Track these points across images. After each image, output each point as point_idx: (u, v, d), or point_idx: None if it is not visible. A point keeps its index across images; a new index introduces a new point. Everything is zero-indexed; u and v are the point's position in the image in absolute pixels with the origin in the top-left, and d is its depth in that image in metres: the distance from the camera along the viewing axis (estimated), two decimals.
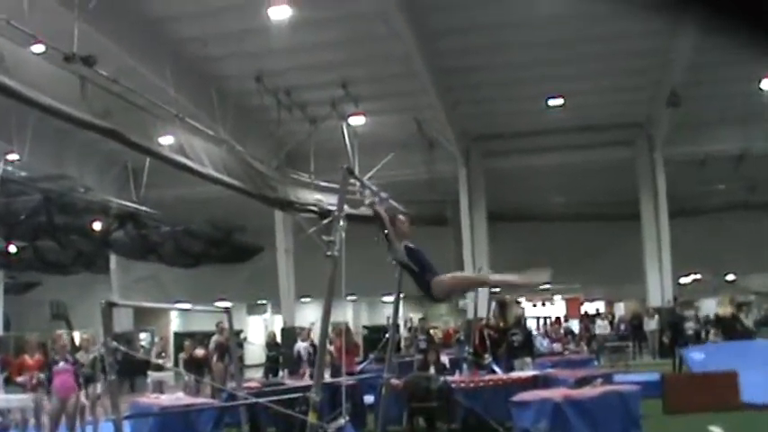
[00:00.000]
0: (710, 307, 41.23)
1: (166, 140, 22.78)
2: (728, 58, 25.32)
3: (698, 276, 40.49)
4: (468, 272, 8.51)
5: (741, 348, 21.23)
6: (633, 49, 25.69)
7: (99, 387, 15.23)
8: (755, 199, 36.17)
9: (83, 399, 14.54)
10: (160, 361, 19.81)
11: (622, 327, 37.15)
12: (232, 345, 13.57)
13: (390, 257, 7.61)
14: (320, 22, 22.94)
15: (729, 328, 26.82)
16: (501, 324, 21.45)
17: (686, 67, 25.39)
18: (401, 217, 7.81)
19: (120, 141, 21.15)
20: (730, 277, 41.11)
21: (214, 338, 20.23)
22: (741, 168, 32.32)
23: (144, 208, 29.85)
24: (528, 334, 20.78)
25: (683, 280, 37.84)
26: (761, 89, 28.21)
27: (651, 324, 32.52)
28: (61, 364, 13.43)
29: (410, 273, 7.59)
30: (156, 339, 28.63)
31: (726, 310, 28.29)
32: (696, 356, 20.58)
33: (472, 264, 31.38)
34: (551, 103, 29.59)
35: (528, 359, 19.24)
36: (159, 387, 19.32)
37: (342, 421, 8.76)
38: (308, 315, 34.80)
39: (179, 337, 36.85)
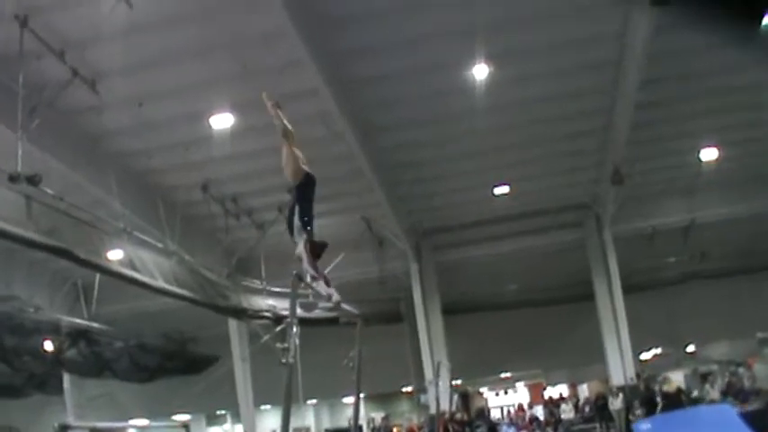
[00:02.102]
0: (675, 379, 41.33)
1: (115, 255, 22.62)
2: (666, 131, 26.06)
3: (658, 350, 40.64)
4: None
5: (687, 417, 21.32)
6: (574, 131, 26.19)
7: None
8: (706, 267, 36.73)
9: None
10: None
11: (587, 409, 37.03)
12: None
13: None
14: (261, 129, 22.97)
15: (676, 404, 27.05)
16: (465, 416, 21.28)
17: (627, 144, 25.87)
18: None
19: (68, 259, 20.95)
20: (690, 348, 41.34)
21: None
22: (690, 239, 32.83)
23: (96, 324, 29.39)
24: (492, 425, 20.65)
25: (643, 356, 37.96)
26: (700, 159, 28.88)
27: (616, 403, 32.44)
28: None
29: None
30: None
31: (671, 386, 28.42)
32: (643, 428, 20.60)
33: (430, 358, 31.17)
34: (497, 191, 29.90)
35: None
36: None
37: None
38: (269, 422, 34.32)
39: None
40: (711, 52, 20.48)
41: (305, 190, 8.35)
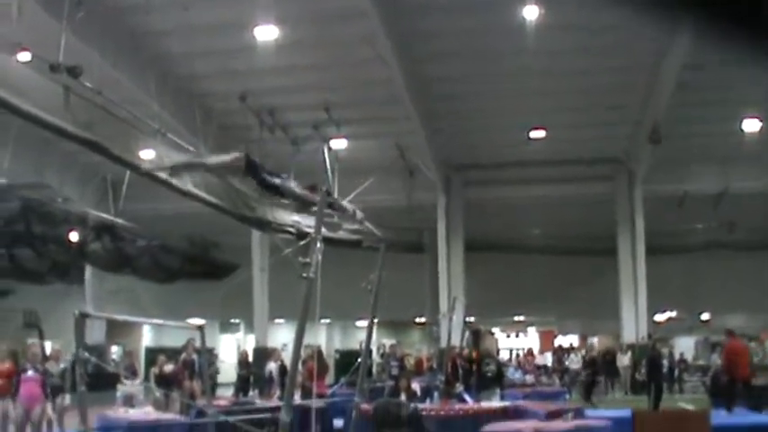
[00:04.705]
0: (685, 345, 41.43)
1: (147, 155, 22.73)
2: (711, 97, 25.63)
3: (673, 314, 40.63)
4: None
5: None
6: (616, 84, 25.93)
7: (67, 398, 15.12)
8: (733, 239, 36.40)
9: (48, 410, 14.40)
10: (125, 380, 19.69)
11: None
12: (203, 362, 13.50)
13: None
14: (306, 44, 23.03)
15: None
16: (474, 354, 21.45)
17: (668, 104, 25.59)
18: None
19: (101, 154, 21.05)
20: (705, 316, 41.31)
21: (182, 356, 20.15)
22: (720, 208, 32.55)
23: (121, 221, 29.68)
24: (499, 366, 20.83)
25: (657, 317, 37.96)
26: (742, 129, 28.48)
27: (624, 360, 32.59)
28: (29, 372, 13.29)
29: None
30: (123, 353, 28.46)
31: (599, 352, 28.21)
32: None
33: (447, 292, 31.38)
34: (533, 135, 29.73)
35: (497, 390, 19.29)
36: (129, 401, 19.18)
37: None
38: (281, 336, 34.71)
39: (151, 352, 36.60)
40: None
41: None
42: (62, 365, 15.43)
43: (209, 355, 31.70)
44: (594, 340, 45.19)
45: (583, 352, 39.30)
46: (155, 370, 20.72)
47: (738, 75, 24.48)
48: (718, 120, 28.18)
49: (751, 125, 28.37)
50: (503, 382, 20.90)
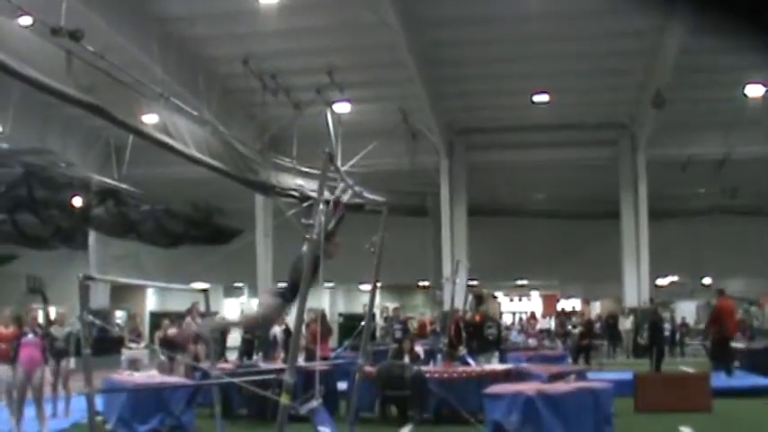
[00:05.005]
0: (687, 309, 41.53)
1: (150, 119, 22.73)
2: (715, 62, 25.49)
3: (675, 278, 40.73)
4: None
5: None
6: (620, 48, 25.80)
7: (72, 362, 15.21)
8: (735, 204, 36.42)
9: (47, 374, 14.46)
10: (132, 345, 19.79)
11: (597, 325, 37.32)
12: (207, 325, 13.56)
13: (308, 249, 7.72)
14: (309, 7, 22.92)
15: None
16: (477, 318, 21.53)
17: (672, 69, 25.49)
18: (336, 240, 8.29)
19: (104, 118, 21.12)
20: (707, 281, 41.38)
21: (187, 320, 20.22)
22: (722, 173, 32.53)
23: (125, 186, 29.71)
24: (500, 328, 20.94)
25: (659, 281, 38.06)
26: (745, 95, 28.38)
27: (626, 324, 32.70)
28: (29, 336, 13.34)
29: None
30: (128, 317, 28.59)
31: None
32: None
33: (450, 255, 31.46)
34: (536, 99, 29.66)
35: (496, 353, 19.45)
36: (134, 365, 19.29)
37: (314, 403, 8.77)
38: None
39: (155, 316, 36.77)
40: None
41: None
42: (67, 329, 15.48)
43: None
44: (597, 304, 45.45)
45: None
46: (159, 334, 20.80)
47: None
48: (721, 85, 28.06)
49: (754, 90, 28.26)
50: (501, 346, 21.06)
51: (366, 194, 9.05)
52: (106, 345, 25.25)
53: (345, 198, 8.77)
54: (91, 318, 8.82)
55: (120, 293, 38.46)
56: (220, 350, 34.49)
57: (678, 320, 36.99)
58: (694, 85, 27.83)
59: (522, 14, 23.10)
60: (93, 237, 34.43)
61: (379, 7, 22.14)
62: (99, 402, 11.34)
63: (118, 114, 20.83)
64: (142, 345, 21.14)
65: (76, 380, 13.44)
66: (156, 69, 22.95)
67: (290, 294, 8.09)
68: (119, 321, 36.55)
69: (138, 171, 30.64)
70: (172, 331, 20.03)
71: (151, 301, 44.58)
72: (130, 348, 19.75)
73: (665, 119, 28.95)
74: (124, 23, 22.09)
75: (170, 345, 19.45)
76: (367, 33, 24.03)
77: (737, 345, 24.86)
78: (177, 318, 21.25)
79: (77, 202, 28.50)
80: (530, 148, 32.36)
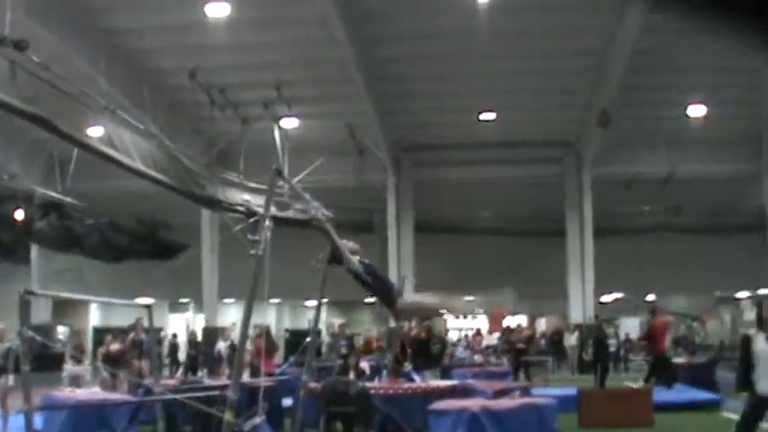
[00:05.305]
0: (631, 326, 42.02)
1: (96, 132, 22.47)
2: (659, 82, 25.99)
3: (619, 295, 41.17)
4: (430, 297, 8.50)
5: None
6: (566, 67, 26.14)
7: (11, 379, 14.93)
8: (678, 221, 37.07)
9: None
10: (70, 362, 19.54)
11: (542, 342, 37.61)
12: (151, 341, 13.43)
13: (344, 268, 7.95)
14: (258, 21, 22.88)
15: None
16: (423, 334, 21.58)
17: (618, 88, 25.87)
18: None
19: (48, 129, 20.80)
20: (650, 297, 41.91)
21: (131, 335, 20.01)
22: (666, 191, 33.02)
23: (69, 199, 29.31)
24: (444, 345, 21.03)
25: (604, 298, 38.45)
26: (687, 115, 28.94)
27: (571, 340, 32.99)
28: None
29: (364, 285, 8.06)
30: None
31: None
32: None
33: (397, 272, 31.47)
34: (483, 117, 29.87)
35: (437, 371, 19.55)
36: (75, 381, 19.03)
37: (258, 420, 8.71)
38: (231, 316, 34.61)
39: (98, 331, 36.31)
40: None
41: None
42: (6, 345, 15.20)
43: (159, 335, 31.57)
44: (542, 320, 45.76)
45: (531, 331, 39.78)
46: (102, 350, 20.54)
47: (688, 62, 24.87)
48: (665, 104, 28.65)
49: (697, 110, 28.88)
50: (443, 361, 21.19)
51: (323, 210, 9.01)
52: (47, 361, 24.90)
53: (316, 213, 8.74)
54: (31, 333, 8.67)
55: (63, 309, 37.88)
56: (172, 363, 34.19)
57: (622, 337, 37.45)
58: (639, 104, 28.30)
59: (470, 32, 23.27)
60: (35, 251, 33.92)
61: (329, 23, 22.16)
62: (38, 420, 11.14)
63: (62, 126, 20.54)
64: (86, 362, 20.89)
65: (15, 397, 13.20)
66: (102, 81, 22.72)
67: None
68: (61, 337, 36.01)
69: (83, 184, 30.24)
70: (115, 347, 19.80)
71: (94, 317, 43.98)
72: (73, 364, 19.48)
73: (610, 137, 29.33)
74: (70, 35, 21.83)
75: (113, 361, 19.23)
76: (315, 49, 24.03)
77: (679, 360, 25.32)
78: (121, 333, 21.03)
79: (19, 215, 28.08)
80: (476, 166, 32.53)
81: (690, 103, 28.48)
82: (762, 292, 33.08)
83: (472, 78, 26.79)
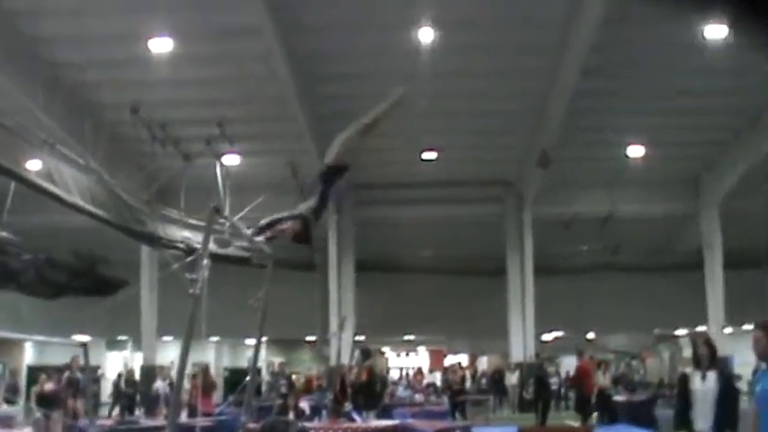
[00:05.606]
0: (571, 364, 42.30)
1: (34, 165, 22.15)
2: (599, 122, 26.48)
3: (560, 334, 41.48)
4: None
5: None
6: (506, 108, 26.45)
7: None
8: (618, 260, 37.60)
9: None
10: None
11: (483, 381, 37.71)
12: (86, 380, 13.18)
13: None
14: (201, 57, 22.83)
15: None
16: (364, 373, 21.51)
17: (558, 129, 26.23)
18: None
19: None
20: (590, 335, 42.31)
21: (66, 374, 19.64)
22: (606, 230, 33.46)
23: (5, 233, 28.74)
24: (383, 384, 20.99)
25: (545, 336, 38.72)
26: (626, 155, 29.43)
27: (512, 379, 33.11)
28: None
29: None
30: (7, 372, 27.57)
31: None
32: None
33: (337, 310, 31.38)
34: (425, 156, 30.05)
35: (378, 410, 19.51)
36: (7, 423, 18.59)
37: None
38: (170, 354, 34.12)
39: (33, 370, 35.55)
40: (658, 51, 20.85)
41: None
42: None
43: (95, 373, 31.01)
44: (484, 359, 45.90)
45: (472, 370, 39.86)
46: (36, 389, 20.12)
47: (627, 103, 25.36)
48: (605, 146, 29.09)
49: (635, 151, 29.36)
50: (383, 401, 21.16)
51: (264, 246, 8.89)
52: None
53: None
54: None
55: None
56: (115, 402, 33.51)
57: (563, 375, 37.66)
58: (579, 145, 28.68)
59: (412, 72, 23.40)
60: None
61: (271, 61, 22.19)
62: None
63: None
64: (20, 402, 20.45)
65: None
66: (40, 115, 22.43)
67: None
68: None
69: (19, 219, 29.69)
70: (49, 386, 19.41)
71: (29, 355, 43.05)
72: (6, 405, 19.07)
73: (550, 177, 29.67)
74: (8, 66, 21.57)
75: (47, 401, 18.85)
76: (258, 86, 24.03)
77: (619, 398, 25.55)
78: (56, 372, 20.63)
79: None
80: (418, 205, 32.66)
81: (629, 144, 28.96)
82: (700, 329, 33.59)
83: (414, 118, 26.88)
